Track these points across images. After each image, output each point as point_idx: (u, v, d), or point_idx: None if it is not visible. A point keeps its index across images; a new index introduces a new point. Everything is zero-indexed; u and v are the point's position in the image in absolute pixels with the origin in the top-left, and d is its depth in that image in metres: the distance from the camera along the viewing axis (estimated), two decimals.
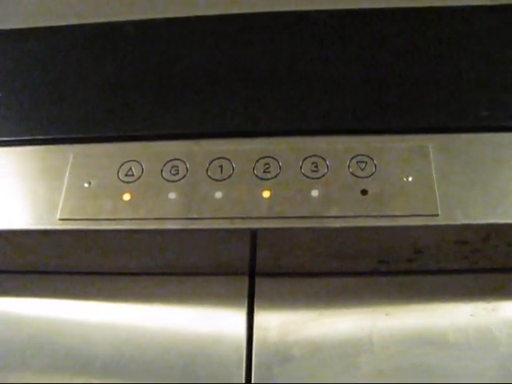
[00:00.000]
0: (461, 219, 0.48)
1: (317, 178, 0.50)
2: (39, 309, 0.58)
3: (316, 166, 0.51)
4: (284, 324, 0.54)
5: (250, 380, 0.52)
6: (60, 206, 0.51)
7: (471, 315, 0.53)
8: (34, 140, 0.55)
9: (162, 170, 0.52)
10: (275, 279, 0.56)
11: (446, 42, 0.57)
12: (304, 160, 0.51)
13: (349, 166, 0.50)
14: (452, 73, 0.55)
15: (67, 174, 0.53)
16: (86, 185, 0.52)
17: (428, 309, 0.54)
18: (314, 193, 0.49)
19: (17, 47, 0.62)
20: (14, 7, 0.66)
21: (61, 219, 0.51)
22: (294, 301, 0.55)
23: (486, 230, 0.49)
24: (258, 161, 0.51)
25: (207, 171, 0.51)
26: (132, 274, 0.58)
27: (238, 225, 0.49)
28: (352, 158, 0.51)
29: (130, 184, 0.52)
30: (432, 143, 0.51)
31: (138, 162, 0.53)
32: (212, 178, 0.51)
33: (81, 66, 0.60)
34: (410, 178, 0.49)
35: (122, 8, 0.64)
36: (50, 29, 0.62)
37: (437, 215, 0.48)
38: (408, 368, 0.52)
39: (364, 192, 0.49)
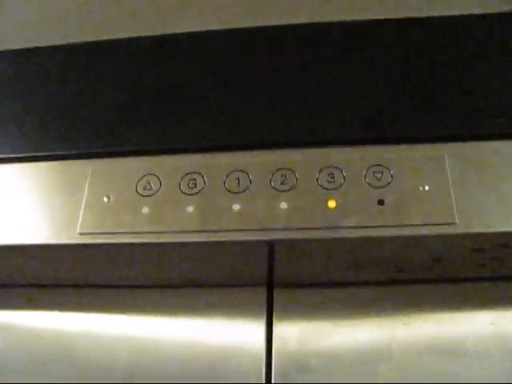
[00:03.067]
0: (478, 227, 0.48)
1: (333, 189, 0.50)
2: (58, 322, 0.59)
3: (332, 177, 0.51)
4: (303, 334, 0.54)
5: None
6: (80, 221, 0.52)
7: (491, 324, 0.53)
8: (53, 156, 0.56)
9: (179, 184, 0.52)
10: (293, 290, 0.57)
11: (459, 50, 0.57)
12: (320, 171, 0.51)
13: (365, 176, 0.51)
14: (467, 80, 0.55)
15: (86, 189, 0.53)
16: (105, 199, 0.52)
17: (446, 318, 0.54)
18: (331, 203, 0.50)
19: (35, 64, 0.63)
20: (29, 27, 0.67)
21: (81, 233, 0.51)
22: (312, 311, 0.56)
23: (504, 238, 0.49)
24: (274, 173, 0.52)
25: (225, 184, 0.52)
26: (150, 287, 0.59)
27: (256, 237, 0.49)
28: (368, 168, 0.51)
29: (149, 198, 0.52)
30: (448, 152, 0.51)
31: (155, 175, 0.53)
32: (229, 191, 0.51)
33: (98, 82, 0.61)
34: (427, 187, 0.49)
35: (137, 24, 0.65)
36: (68, 46, 0.63)
37: (454, 223, 0.48)
38: (427, 378, 0.51)
39: (381, 202, 0.49)
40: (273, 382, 0.52)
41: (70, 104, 0.59)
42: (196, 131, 0.55)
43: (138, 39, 0.62)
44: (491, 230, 0.48)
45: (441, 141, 0.52)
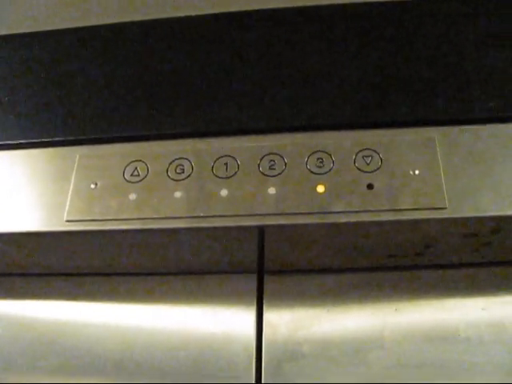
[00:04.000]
0: (469, 212, 0.47)
1: (322, 174, 0.50)
2: (47, 311, 0.58)
3: (321, 162, 0.50)
4: (293, 321, 0.54)
5: (261, 378, 0.52)
6: (67, 208, 0.51)
7: (482, 309, 0.53)
8: (39, 143, 0.55)
9: (167, 170, 0.52)
10: (284, 276, 0.56)
11: (451, 33, 0.56)
12: (309, 156, 0.51)
13: (354, 161, 0.50)
14: (458, 64, 0.54)
15: (73, 176, 0.53)
16: (93, 186, 0.52)
17: (438, 303, 0.54)
18: (320, 188, 0.49)
19: (20, 52, 0.63)
20: (14, 13, 0.67)
21: (68, 221, 0.51)
22: (302, 298, 0.55)
23: (496, 223, 0.49)
24: (262, 158, 0.51)
25: (212, 169, 0.51)
26: (139, 274, 0.58)
27: (244, 222, 0.49)
28: (358, 153, 0.50)
29: (136, 184, 0.52)
30: (438, 136, 0.50)
31: (143, 161, 0.52)
32: (217, 176, 0.51)
33: (84, 69, 0.60)
34: (417, 172, 0.49)
35: (124, 10, 0.64)
36: (53, 32, 0.63)
37: (444, 208, 0.47)
38: (419, 363, 0.51)
39: (370, 186, 0.49)
40: (263, 369, 0.52)
41: (57, 90, 0.58)
42: (183, 117, 0.55)
43: (125, 25, 0.61)
44: (482, 214, 0.48)
45: (431, 124, 0.51)
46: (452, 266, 0.55)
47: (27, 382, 0.55)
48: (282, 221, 0.49)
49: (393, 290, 0.55)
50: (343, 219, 0.48)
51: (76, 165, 0.53)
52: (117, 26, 0.61)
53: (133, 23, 0.61)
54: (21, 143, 0.56)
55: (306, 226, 0.49)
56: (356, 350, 0.52)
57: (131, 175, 0.52)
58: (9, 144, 0.56)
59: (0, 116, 0.58)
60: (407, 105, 0.52)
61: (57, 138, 0.55)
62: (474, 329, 0.52)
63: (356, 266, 0.55)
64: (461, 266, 0.55)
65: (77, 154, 0.54)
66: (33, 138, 0.56)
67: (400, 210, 0.48)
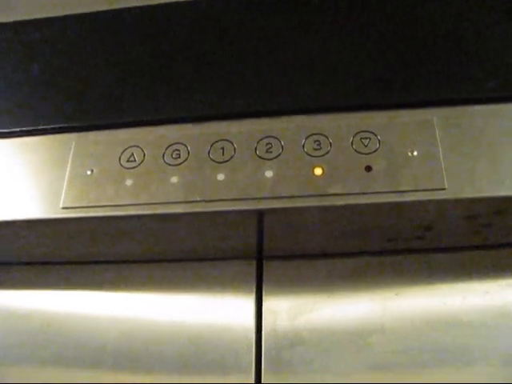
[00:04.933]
0: (468, 193, 0.47)
1: (320, 156, 0.49)
2: (46, 300, 0.58)
3: (319, 144, 0.50)
4: (293, 307, 0.53)
5: (261, 365, 0.51)
6: (63, 195, 0.51)
7: (486, 292, 0.52)
8: (35, 130, 0.55)
9: (163, 155, 0.51)
10: (283, 262, 0.56)
11: (448, 12, 0.56)
12: (306, 138, 0.50)
13: (352, 143, 0.49)
14: (456, 43, 0.54)
15: (69, 163, 0.53)
16: (89, 172, 0.52)
17: (440, 287, 0.53)
18: (318, 171, 0.49)
19: (16, 39, 0.63)
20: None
21: (64, 208, 0.51)
22: (302, 283, 0.55)
23: (496, 203, 0.48)
24: (259, 141, 0.51)
25: (209, 154, 0.51)
26: (137, 261, 0.58)
27: (242, 206, 0.48)
28: (355, 135, 0.50)
29: (132, 170, 0.51)
30: (437, 116, 0.50)
31: (139, 147, 0.52)
32: (214, 161, 0.50)
33: (78, 55, 0.60)
34: (415, 153, 0.48)
35: None
36: (49, 20, 0.62)
37: (444, 189, 0.47)
38: (420, 348, 0.51)
39: (368, 168, 0.48)
40: (263, 357, 0.51)
41: (53, 77, 0.58)
42: (179, 102, 0.54)
43: (122, 10, 0.61)
44: (482, 194, 0.47)
45: (429, 105, 0.51)
46: (453, 249, 0.54)
47: (26, 372, 0.55)
48: (279, 204, 0.48)
49: (393, 275, 0.54)
50: (341, 202, 0.48)
51: (72, 152, 0.53)
52: (113, 12, 0.61)
53: (129, 9, 0.61)
54: (16, 131, 0.55)
55: (303, 208, 0.48)
56: (357, 335, 0.52)
57: (127, 161, 0.52)
58: (4, 132, 0.56)
59: None
60: (405, 86, 0.52)
61: (52, 126, 0.55)
62: (477, 313, 0.51)
63: (356, 251, 0.55)
64: (462, 248, 0.54)
65: (73, 140, 0.54)
66: (28, 126, 0.55)
67: (399, 191, 0.47)
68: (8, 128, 0.56)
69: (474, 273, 0.53)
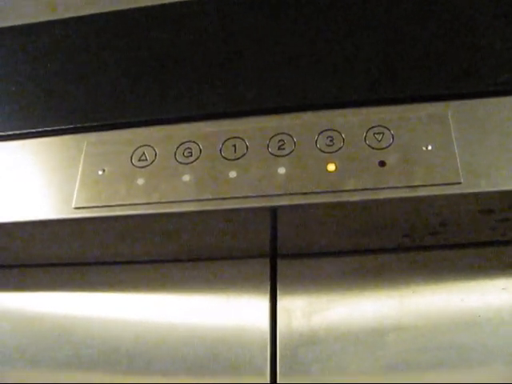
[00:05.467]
0: (484, 186, 0.46)
1: (333, 152, 0.49)
2: (58, 302, 0.58)
3: (331, 140, 0.49)
4: (308, 306, 0.53)
5: (276, 364, 0.50)
6: (75, 195, 0.51)
7: (503, 289, 0.51)
8: (47, 131, 0.55)
9: (175, 153, 0.51)
10: (297, 260, 0.55)
11: (462, 6, 0.55)
12: (319, 134, 0.50)
13: (365, 138, 0.49)
14: (470, 36, 0.53)
15: (81, 163, 0.53)
16: (101, 172, 0.52)
17: (456, 284, 0.52)
18: (331, 167, 0.48)
19: (28, 40, 0.63)
20: (23, 3, 0.67)
21: (76, 208, 0.51)
22: (317, 281, 0.54)
23: None
24: (271, 138, 0.50)
25: (221, 151, 0.50)
26: (149, 262, 0.58)
27: (254, 203, 0.48)
28: (368, 130, 0.49)
29: (144, 169, 0.51)
30: (451, 110, 0.49)
31: (150, 146, 0.52)
32: (226, 158, 0.50)
33: (89, 56, 0.60)
34: (430, 147, 0.48)
35: None
36: (57, 22, 0.63)
37: (459, 183, 0.46)
38: (438, 346, 0.50)
39: (382, 163, 0.48)
40: (278, 356, 0.51)
41: (63, 79, 0.58)
42: (190, 100, 0.54)
43: (129, 11, 0.61)
44: (498, 188, 0.46)
45: (443, 99, 0.50)
46: (470, 245, 0.53)
47: (40, 375, 0.55)
48: (292, 201, 0.48)
49: (409, 272, 0.53)
50: (355, 197, 0.47)
51: (84, 152, 0.53)
52: (121, 13, 0.61)
53: (137, 9, 0.61)
54: (28, 132, 0.56)
55: (317, 205, 0.48)
56: (373, 334, 0.51)
57: (139, 160, 0.52)
58: (16, 134, 0.56)
59: (8, 106, 0.58)
60: (418, 80, 0.51)
61: (64, 126, 0.55)
62: (494, 310, 0.51)
63: (371, 248, 0.54)
64: (479, 244, 0.53)
65: (84, 141, 0.54)
66: (40, 127, 0.56)
67: (413, 186, 0.47)
68: (20, 129, 0.56)
69: (491, 269, 0.52)
